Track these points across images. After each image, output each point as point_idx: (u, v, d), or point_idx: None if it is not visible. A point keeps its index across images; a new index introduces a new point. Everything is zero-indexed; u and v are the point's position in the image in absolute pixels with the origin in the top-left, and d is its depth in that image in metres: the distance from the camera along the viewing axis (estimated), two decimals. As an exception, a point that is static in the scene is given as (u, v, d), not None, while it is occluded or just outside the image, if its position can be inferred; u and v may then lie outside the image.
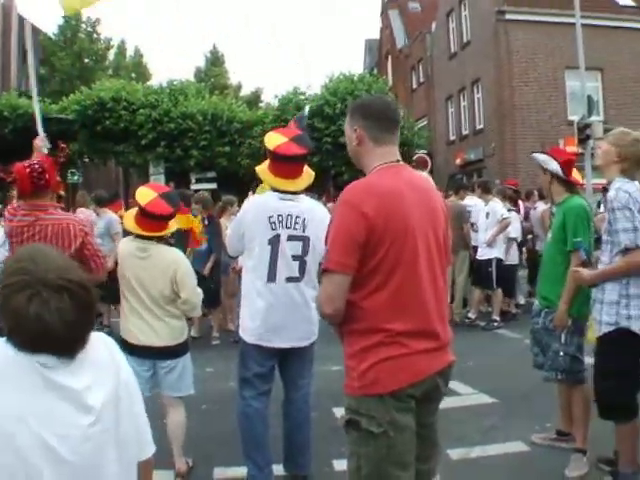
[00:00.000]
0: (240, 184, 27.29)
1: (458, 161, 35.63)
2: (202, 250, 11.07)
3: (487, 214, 12.63)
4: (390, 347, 3.15)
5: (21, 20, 43.14)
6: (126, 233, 6.12)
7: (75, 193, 14.99)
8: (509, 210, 12.91)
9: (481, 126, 34.05)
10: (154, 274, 5.44)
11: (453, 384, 7.50)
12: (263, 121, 31.24)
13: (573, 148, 18.03)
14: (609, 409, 5.03)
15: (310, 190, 5.82)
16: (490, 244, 12.42)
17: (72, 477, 2.01)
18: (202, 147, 30.21)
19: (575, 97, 26.74)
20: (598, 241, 5.52)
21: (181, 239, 9.53)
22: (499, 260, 12.50)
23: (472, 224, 12.97)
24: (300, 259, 5.18)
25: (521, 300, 14.10)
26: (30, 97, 33.19)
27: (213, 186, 28.34)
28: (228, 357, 7.35)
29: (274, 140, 5.30)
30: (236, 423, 5.39)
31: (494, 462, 5.92)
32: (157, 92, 32.21)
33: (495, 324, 12.40)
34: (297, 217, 5.18)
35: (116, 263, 5.71)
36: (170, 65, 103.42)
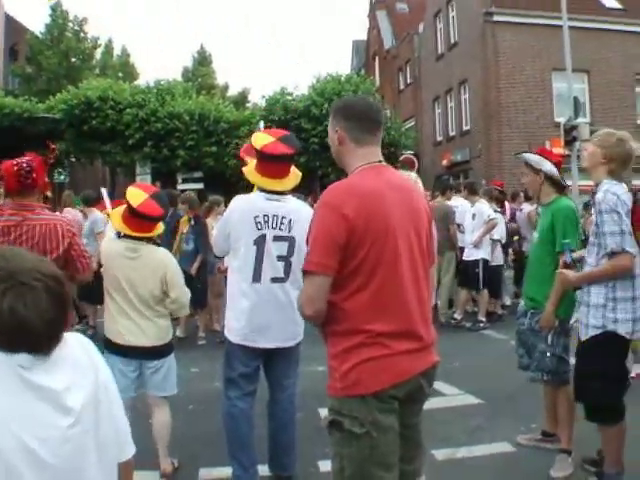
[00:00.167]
0: (227, 184, 27.27)
1: (445, 162, 35.67)
2: (189, 250, 11.06)
3: (473, 215, 12.65)
4: (372, 348, 3.15)
5: (8, 18, 43.10)
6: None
7: (61, 193, 14.93)
8: (495, 211, 12.94)
9: (468, 127, 34.13)
10: (144, 274, 5.44)
11: (439, 385, 7.53)
12: (250, 121, 31.22)
13: (560, 150, 18.15)
14: (596, 411, 5.04)
15: (297, 190, 5.82)
16: (477, 245, 12.44)
17: None
18: (189, 147, 30.15)
19: (562, 99, 26.90)
20: (585, 242, 5.53)
21: (168, 239, 9.53)
22: (485, 261, 12.53)
23: (458, 225, 12.98)
24: (285, 259, 5.17)
25: (507, 301, 14.14)
26: (17, 96, 33.25)
27: (200, 186, 28.27)
28: (214, 357, 7.34)
29: (261, 140, 5.29)
30: (221, 423, 5.37)
31: (480, 463, 5.93)
32: (144, 92, 32.11)
33: (481, 325, 12.43)
34: (283, 217, 5.18)
35: (99, 263, 5.69)
36: (157, 65, 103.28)
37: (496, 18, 30.51)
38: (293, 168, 5.42)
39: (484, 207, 12.67)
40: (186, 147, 30.13)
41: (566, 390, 5.68)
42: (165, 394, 5.70)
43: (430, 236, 3.54)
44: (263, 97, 33.64)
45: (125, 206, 5.55)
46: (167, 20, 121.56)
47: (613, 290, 4.88)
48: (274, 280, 5.13)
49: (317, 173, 27.34)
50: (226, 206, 6.70)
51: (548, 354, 5.64)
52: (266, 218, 5.15)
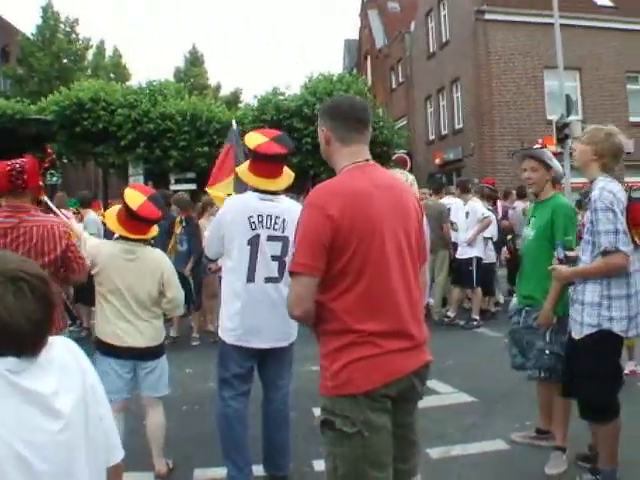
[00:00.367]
0: (219, 185, 27.12)
1: (437, 161, 35.67)
2: (183, 251, 11.05)
3: (467, 213, 12.67)
4: (363, 347, 3.15)
5: (-1, 20, 42.95)
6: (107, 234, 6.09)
7: (54, 194, 14.89)
8: (488, 209, 12.96)
9: (460, 126, 34.14)
10: (142, 276, 5.46)
11: (433, 383, 7.55)
12: (242, 121, 31.14)
13: (552, 147, 18.15)
14: (591, 410, 5.05)
15: (289, 190, 5.83)
16: (470, 243, 12.46)
17: None
18: (181, 147, 30.02)
19: (554, 97, 26.90)
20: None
21: (162, 240, 9.53)
22: (479, 259, 12.55)
23: (451, 223, 12.98)
24: (279, 259, 5.17)
25: (500, 299, 14.16)
26: (8, 98, 33.13)
27: (192, 187, 28.18)
28: (208, 358, 7.33)
29: (255, 140, 5.31)
30: (215, 424, 5.38)
31: (474, 460, 5.94)
32: (136, 92, 31.95)
33: (474, 323, 12.44)
34: (277, 217, 5.19)
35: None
36: (149, 65, 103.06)
37: (487, 16, 30.52)
38: (286, 168, 5.43)
39: (477, 205, 12.69)
40: (178, 148, 30.01)
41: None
42: (159, 394, 5.71)
43: (420, 234, 3.53)
44: (255, 97, 33.54)
45: (120, 207, 5.55)
46: (159, 21, 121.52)
47: (608, 288, 4.89)
48: (268, 280, 5.14)
49: (310, 173, 27.29)
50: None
51: (547, 352, 5.64)
52: (260, 218, 5.15)
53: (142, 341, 5.45)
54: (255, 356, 5.29)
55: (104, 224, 9.58)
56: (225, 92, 61.64)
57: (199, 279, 11.41)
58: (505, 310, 11.34)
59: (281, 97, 31.89)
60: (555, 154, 8.44)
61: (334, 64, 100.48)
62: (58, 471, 2.01)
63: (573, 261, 5.26)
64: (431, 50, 37.48)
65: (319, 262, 3.15)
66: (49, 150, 5.95)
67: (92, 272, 5.49)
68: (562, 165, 14.04)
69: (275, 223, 5.19)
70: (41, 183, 5.33)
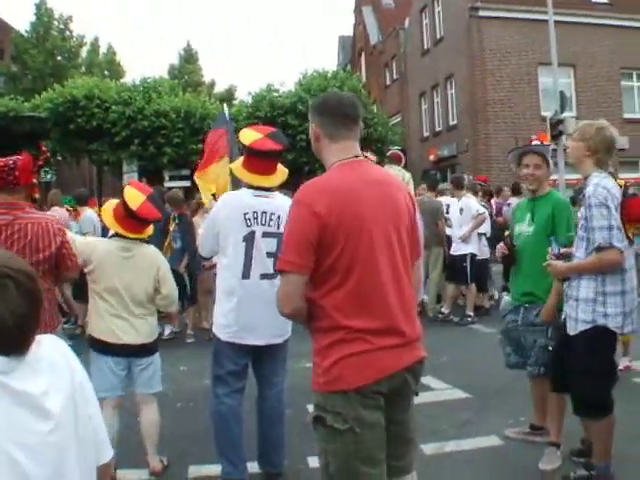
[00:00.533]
0: (214, 181, 27.08)
1: (431, 157, 35.72)
2: (177, 248, 11.04)
3: (461, 210, 12.68)
4: (353, 343, 3.15)
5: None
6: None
7: (48, 192, 14.86)
8: (482, 206, 12.98)
9: (454, 122, 34.17)
10: (139, 273, 5.49)
11: (427, 379, 7.56)
12: (236, 118, 31.12)
13: (546, 144, 18.16)
14: (585, 406, 5.05)
15: (283, 187, 5.83)
16: (465, 240, 12.47)
17: None
18: (175, 144, 29.96)
19: (548, 93, 26.97)
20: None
21: (158, 238, 9.52)
22: (473, 255, 12.56)
23: (446, 219, 12.99)
24: (275, 256, 5.13)
25: (495, 295, 14.16)
26: (2, 95, 33.06)
27: (187, 184, 28.14)
28: (202, 355, 7.34)
29: (250, 136, 5.31)
30: (210, 421, 5.38)
31: (468, 456, 5.95)
32: (130, 90, 31.88)
33: (469, 319, 12.46)
34: (272, 214, 5.19)
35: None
36: (144, 62, 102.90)
37: (482, 13, 30.56)
38: (279, 165, 5.44)
39: (471, 202, 12.70)
40: (173, 145, 29.95)
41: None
42: (153, 391, 5.72)
43: (413, 230, 3.52)
44: (249, 94, 33.55)
45: (117, 204, 5.55)
46: (153, 18, 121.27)
47: (603, 284, 4.89)
48: (263, 276, 5.14)
49: (304, 169, 27.25)
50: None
51: (550, 348, 5.64)
52: (255, 215, 5.16)
53: (138, 338, 5.46)
54: (250, 353, 5.29)
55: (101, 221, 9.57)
56: (219, 89, 61.65)
57: (194, 275, 11.41)
58: (499, 306, 11.37)
59: (275, 94, 31.89)
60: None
61: (328, 60, 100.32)
62: (50, 473, 1.99)
63: (567, 256, 5.26)
64: (425, 47, 37.51)
65: (306, 260, 3.15)
66: (43, 148, 5.93)
67: (85, 270, 5.48)
68: (556, 161, 13.99)
69: (270, 220, 5.20)
70: (35, 181, 5.31)
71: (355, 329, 3.15)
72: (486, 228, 13.13)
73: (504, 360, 6.19)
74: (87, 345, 5.52)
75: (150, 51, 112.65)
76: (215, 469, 5.46)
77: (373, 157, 7.88)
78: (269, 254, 5.16)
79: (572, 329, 5.02)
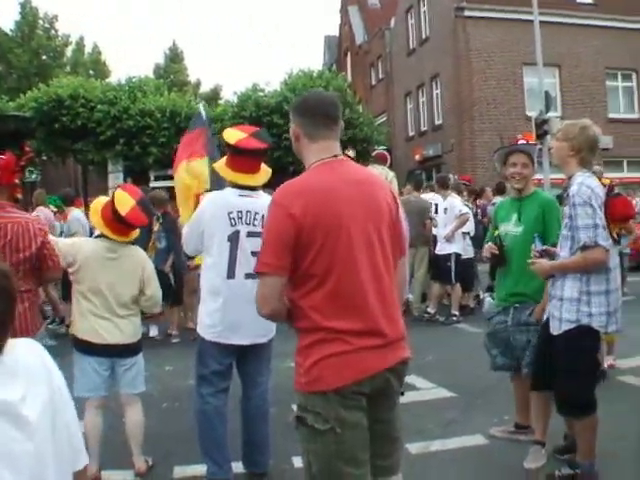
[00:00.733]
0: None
1: (417, 157, 35.74)
2: (161, 248, 11.03)
3: (445, 209, 12.71)
4: (333, 344, 3.14)
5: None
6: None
7: (33, 192, 14.81)
8: (466, 205, 13.01)
9: (440, 122, 34.23)
10: (124, 275, 5.49)
11: (412, 378, 7.57)
12: (222, 118, 31.04)
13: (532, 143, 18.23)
14: (569, 406, 5.06)
15: (268, 186, 5.83)
16: (449, 239, 12.49)
17: None
18: (161, 144, 29.88)
19: (533, 93, 27.10)
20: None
21: (144, 239, 9.49)
22: (457, 255, 12.58)
23: (431, 219, 13.01)
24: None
25: (481, 294, 14.17)
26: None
27: (172, 184, 28.14)
28: (187, 355, 7.31)
29: (234, 135, 5.31)
30: (195, 421, 5.37)
31: (453, 456, 5.96)
32: (115, 89, 31.80)
33: (454, 319, 12.48)
34: (256, 213, 5.19)
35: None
36: (129, 62, 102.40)
37: (467, 13, 30.64)
38: (263, 164, 5.44)
39: (456, 201, 12.74)
40: (158, 144, 29.88)
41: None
42: (136, 391, 5.71)
43: (395, 228, 3.49)
44: (235, 93, 33.51)
45: (106, 204, 5.53)
46: (138, 17, 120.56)
47: (587, 284, 4.89)
48: (248, 276, 5.10)
49: (289, 169, 27.23)
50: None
51: None
52: (240, 214, 5.17)
53: (122, 338, 5.46)
54: (234, 353, 5.28)
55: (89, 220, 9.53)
56: (205, 89, 61.55)
57: (180, 274, 11.39)
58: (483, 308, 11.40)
59: (261, 93, 31.86)
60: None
61: (314, 60, 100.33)
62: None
63: (551, 255, 5.26)
64: (411, 46, 37.55)
65: (283, 261, 3.14)
66: (27, 148, 5.90)
67: (70, 270, 5.47)
68: (541, 161, 14.04)
69: (254, 219, 5.21)
70: (17, 181, 5.28)
71: (335, 330, 3.14)
72: (470, 227, 13.15)
73: (490, 362, 6.19)
74: (71, 345, 5.50)
75: (135, 50, 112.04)
76: (200, 469, 5.45)
77: (352, 153, 7.88)
78: (254, 253, 5.11)
79: (556, 329, 5.03)
